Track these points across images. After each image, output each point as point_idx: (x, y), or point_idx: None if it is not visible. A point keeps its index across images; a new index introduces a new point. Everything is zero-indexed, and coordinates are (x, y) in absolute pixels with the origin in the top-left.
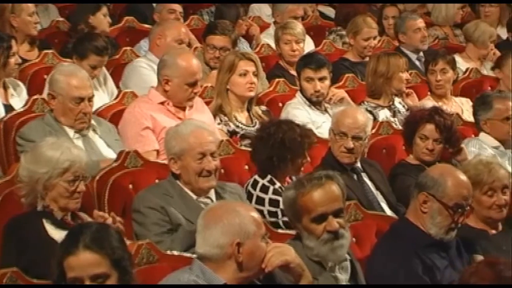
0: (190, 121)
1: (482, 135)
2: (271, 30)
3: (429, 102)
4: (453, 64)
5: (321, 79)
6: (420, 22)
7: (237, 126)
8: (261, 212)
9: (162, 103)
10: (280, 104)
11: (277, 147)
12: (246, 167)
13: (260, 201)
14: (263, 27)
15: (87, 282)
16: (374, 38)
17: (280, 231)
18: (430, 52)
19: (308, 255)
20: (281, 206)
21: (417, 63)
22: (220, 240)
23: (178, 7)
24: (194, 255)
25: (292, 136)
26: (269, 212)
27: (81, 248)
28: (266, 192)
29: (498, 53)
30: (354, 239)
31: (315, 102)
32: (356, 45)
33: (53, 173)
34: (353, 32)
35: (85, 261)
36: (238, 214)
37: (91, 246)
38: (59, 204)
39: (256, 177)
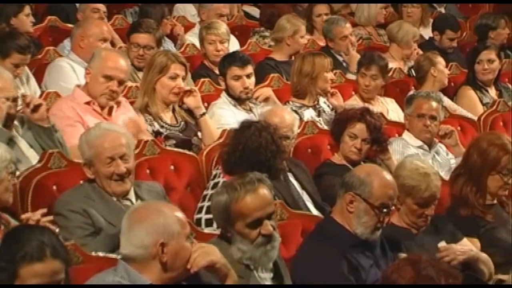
0: (100, 125)
1: (406, 134)
2: (196, 29)
3: (354, 103)
4: (384, 71)
5: (248, 76)
6: (347, 29)
7: (162, 126)
8: None
9: (87, 103)
10: (206, 104)
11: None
12: (172, 167)
13: None
14: (188, 27)
15: None
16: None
17: (205, 230)
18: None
19: (238, 257)
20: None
21: (344, 64)
22: (145, 241)
23: (102, 7)
24: (119, 256)
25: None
26: None
27: (49, 256)
28: None
29: (421, 53)
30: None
31: (243, 99)
32: (294, 44)
33: None
34: (293, 30)
35: (52, 269)
36: (162, 214)
37: (57, 255)
38: None
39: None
